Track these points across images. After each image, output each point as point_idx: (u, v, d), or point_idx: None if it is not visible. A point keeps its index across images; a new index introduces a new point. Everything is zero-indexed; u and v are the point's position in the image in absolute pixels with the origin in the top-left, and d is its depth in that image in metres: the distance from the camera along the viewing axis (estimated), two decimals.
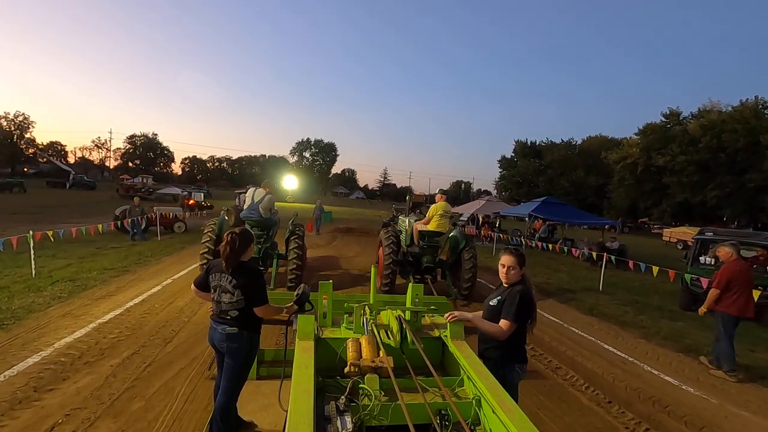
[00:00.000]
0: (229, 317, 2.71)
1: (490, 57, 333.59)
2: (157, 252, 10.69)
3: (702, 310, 5.12)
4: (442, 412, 2.11)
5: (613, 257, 10.06)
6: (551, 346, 5.68)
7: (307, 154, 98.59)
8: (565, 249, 12.05)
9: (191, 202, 24.04)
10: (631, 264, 9.34)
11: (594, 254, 10.82)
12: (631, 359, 5.43)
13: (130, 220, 12.27)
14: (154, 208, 14.81)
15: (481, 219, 23.63)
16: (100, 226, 9.73)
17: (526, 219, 25.54)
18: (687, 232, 26.28)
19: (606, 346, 5.88)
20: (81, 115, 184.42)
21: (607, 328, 6.80)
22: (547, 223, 18.68)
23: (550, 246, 12.79)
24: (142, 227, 13.73)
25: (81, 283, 7.08)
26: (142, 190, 36.54)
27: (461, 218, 26.81)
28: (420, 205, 15.73)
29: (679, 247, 26.04)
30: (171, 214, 15.10)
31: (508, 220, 27.40)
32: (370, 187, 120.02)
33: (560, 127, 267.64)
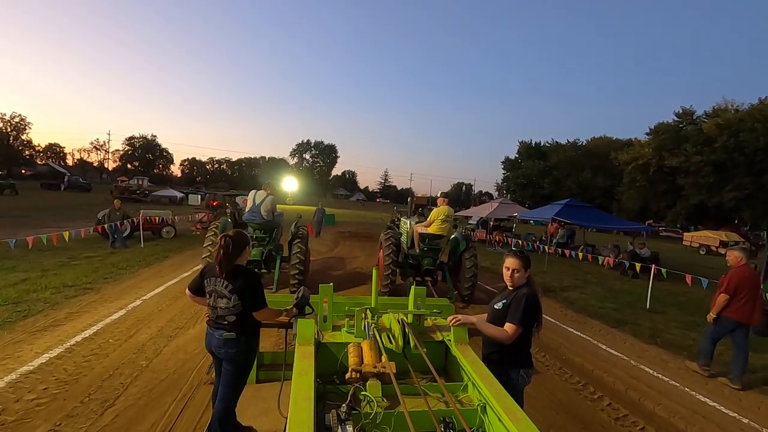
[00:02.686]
0: (226, 322, 2.61)
1: (492, 57, 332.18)
2: (135, 262, 9.30)
3: (710, 316, 4.96)
4: (446, 419, 2.01)
5: (663, 270, 8.64)
6: (632, 400, 4.26)
7: (307, 156, 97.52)
8: (600, 259, 10.64)
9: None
10: (688, 279, 7.93)
11: (638, 265, 9.39)
12: (745, 421, 4.00)
13: (107, 225, 10.90)
14: (141, 211, 13.44)
15: (491, 223, 22.14)
16: (66, 234, 8.36)
17: (531, 222, 24.03)
18: (710, 236, 24.80)
19: (701, 398, 4.45)
20: (80, 117, 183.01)
21: (686, 367, 5.37)
22: (565, 227, 17.24)
23: (580, 255, 11.36)
24: (126, 232, 12.43)
25: (26, 306, 5.69)
26: (137, 192, 35.14)
27: (470, 221, 25.42)
28: (422, 206, 14.49)
29: (702, 252, 24.60)
30: (158, 218, 13.72)
31: (518, 224, 25.87)
32: (370, 189, 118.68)
33: (563, 128, 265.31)
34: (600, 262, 11.52)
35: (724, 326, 4.87)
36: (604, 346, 5.94)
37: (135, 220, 12.53)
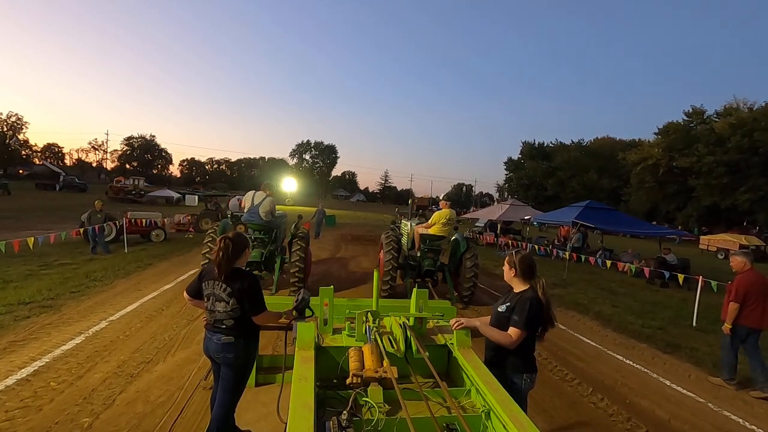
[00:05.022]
0: (224, 326, 2.56)
1: (493, 56, 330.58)
2: (112, 271, 8.25)
3: (726, 327, 4.88)
4: (449, 426, 1.97)
5: (713, 283, 7.60)
6: None
7: (307, 156, 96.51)
8: (633, 269, 9.60)
9: None
10: None
11: (680, 276, 8.35)
12: None
13: (84, 229, 9.86)
14: (127, 213, 12.43)
15: (500, 226, 21.02)
16: (30, 240, 7.33)
17: (535, 224, 22.75)
18: (728, 240, 23.67)
19: None
20: (78, 117, 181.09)
21: None
22: (579, 230, 16.15)
23: (608, 263, 10.31)
24: (111, 236, 11.41)
25: None
26: (133, 192, 34.14)
27: (477, 224, 24.31)
28: (424, 208, 13.69)
29: (720, 257, 23.50)
30: (145, 221, 12.67)
31: (523, 226, 24.70)
32: (370, 190, 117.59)
33: (566, 129, 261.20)
34: (622, 269, 10.53)
35: (739, 334, 4.81)
36: (668, 382, 4.89)
37: (119, 222, 11.52)
